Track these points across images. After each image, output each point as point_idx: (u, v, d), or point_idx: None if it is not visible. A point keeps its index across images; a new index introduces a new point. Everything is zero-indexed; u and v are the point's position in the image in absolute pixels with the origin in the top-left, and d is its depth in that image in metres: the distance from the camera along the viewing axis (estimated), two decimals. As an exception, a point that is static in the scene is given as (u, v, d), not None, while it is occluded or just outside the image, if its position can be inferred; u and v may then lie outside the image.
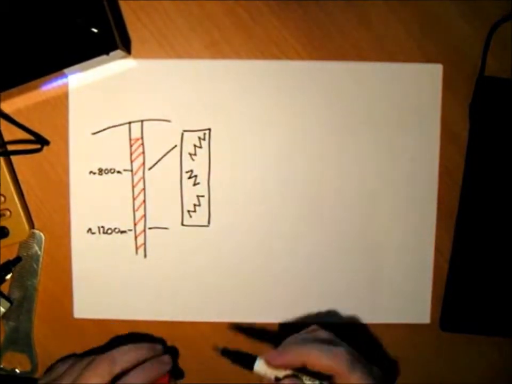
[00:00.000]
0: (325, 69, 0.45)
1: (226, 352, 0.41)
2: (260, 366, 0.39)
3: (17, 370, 0.47)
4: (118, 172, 0.45)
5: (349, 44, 0.45)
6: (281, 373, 0.39)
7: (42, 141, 0.45)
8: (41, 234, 0.46)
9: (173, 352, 0.46)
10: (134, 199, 0.46)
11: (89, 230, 0.46)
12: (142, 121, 0.45)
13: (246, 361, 0.40)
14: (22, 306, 0.46)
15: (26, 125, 0.44)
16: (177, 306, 0.46)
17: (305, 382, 0.38)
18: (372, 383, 0.38)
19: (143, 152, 0.45)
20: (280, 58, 0.45)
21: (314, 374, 0.38)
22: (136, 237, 0.46)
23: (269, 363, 0.39)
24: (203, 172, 0.46)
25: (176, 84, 0.45)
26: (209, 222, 0.46)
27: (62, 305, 0.46)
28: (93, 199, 0.45)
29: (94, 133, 0.45)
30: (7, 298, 0.46)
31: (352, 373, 0.38)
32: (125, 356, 0.41)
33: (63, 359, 0.45)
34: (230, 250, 0.45)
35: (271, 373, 0.39)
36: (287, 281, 0.46)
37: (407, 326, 0.47)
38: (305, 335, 0.41)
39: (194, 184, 0.46)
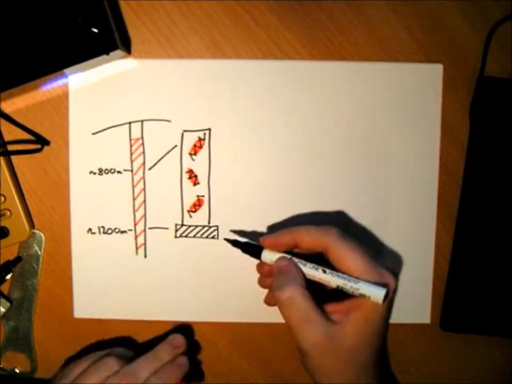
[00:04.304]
0: (325, 69, 0.45)
1: (236, 243, 0.43)
2: (265, 255, 0.41)
3: (17, 370, 0.47)
4: (118, 172, 0.45)
5: (349, 44, 0.45)
6: None
7: (42, 141, 0.45)
8: (41, 234, 0.46)
9: (194, 348, 0.46)
10: (134, 199, 0.46)
11: (89, 230, 0.46)
12: (142, 121, 0.45)
13: (255, 251, 0.42)
14: (22, 306, 0.46)
15: (26, 125, 0.44)
16: (177, 306, 0.46)
17: (297, 261, 0.40)
18: (363, 254, 0.38)
19: (143, 152, 0.45)
20: (281, 58, 0.45)
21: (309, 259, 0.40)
22: (136, 237, 0.46)
23: (266, 246, 0.41)
24: (203, 172, 0.46)
25: (176, 83, 0.45)
26: (209, 222, 0.46)
27: (62, 305, 0.46)
28: (93, 199, 0.45)
29: (94, 133, 0.45)
30: (7, 298, 0.46)
31: (343, 243, 0.38)
32: (147, 366, 0.41)
33: (72, 361, 0.43)
34: (231, 250, 0.45)
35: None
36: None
37: (407, 326, 0.47)
38: None
39: (195, 184, 0.46)
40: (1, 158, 0.44)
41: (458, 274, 0.46)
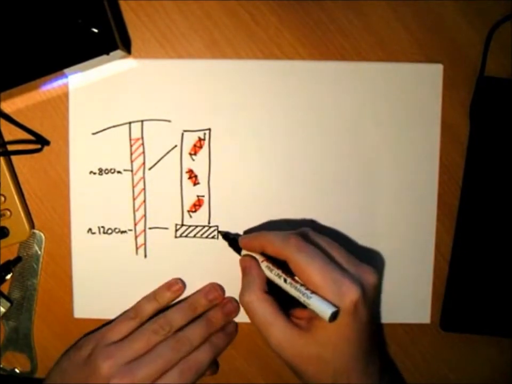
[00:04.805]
0: (325, 69, 0.45)
1: (225, 236, 0.45)
2: (243, 253, 0.43)
3: (17, 370, 0.47)
4: (118, 172, 0.45)
5: (349, 44, 0.45)
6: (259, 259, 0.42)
7: (42, 141, 0.45)
8: (41, 234, 0.46)
9: None
10: (134, 199, 0.46)
11: (89, 230, 0.46)
12: (142, 121, 0.45)
13: (238, 248, 0.43)
14: (22, 306, 0.46)
15: (27, 125, 0.44)
16: (177, 306, 0.46)
17: (262, 264, 0.41)
18: (321, 266, 0.37)
19: (143, 152, 0.45)
20: (281, 58, 0.45)
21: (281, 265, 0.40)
22: (136, 237, 0.46)
23: (241, 247, 0.43)
24: (203, 172, 0.46)
25: (176, 83, 0.45)
26: (209, 222, 0.46)
27: (62, 305, 0.46)
28: (93, 199, 0.45)
29: (94, 133, 0.45)
30: (7, 298, 0.46)
31: (300, 255, 0.37)
32: (200, 332, 0.43)
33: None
34: (231, 250, 0.45)
35: None
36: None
37: (407, 326, 0.47)
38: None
39: (195, 184, 0.46)
40: (1, 158, 0.44)
41: (458, 274, 0.46)
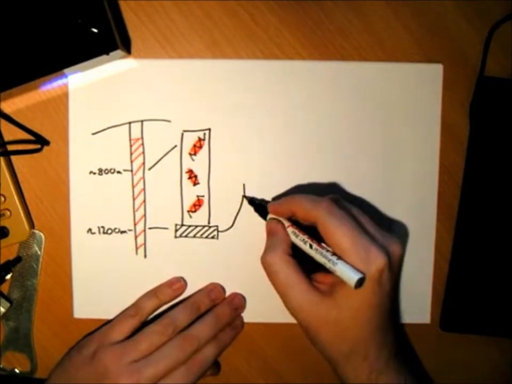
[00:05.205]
0: (325, 69, 0.45)
1: (251, 202, 0.45)
2: (269, 218, 0.43)
3: (16, 370, 0.47)
4: (118, 172, 0.45)
5: (349, 44, 0.45)
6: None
7: (42, 141, 0.45)
8: (41, 234, 0.46)
9: None
10: (134, 199, 0.46)
11: (89, 230, 0.46)
12: (142, 121, 0.45)
13: (264, 214, 0.43)
14: (21, 306, 0.46)
15: (26, 125, 0.44)
16: (177, 306, 0.46)
17: (289, 229, 0.41)
18: (350, 230, 0.37)
19: (143, 152, 0.45)
20: (281, 58, 0.45)
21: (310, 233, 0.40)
22: (136, 237, 0.46)
23: (270, 212, 0.42)
24: (203, 172, 0.46)
25: (176, 84, 0.45)
26: (209, 222, 0.46)
27: (61, 305, 0.46)
28: (93, 199, 0.45)
29: (94, 133, 0.45)
30: (7, 299, 0.46)
31: (331, 218, 0.37)
32: (207, 329, 0.43)
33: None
34: (230, 250, 0.45)
35: None
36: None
37: (407, 326, 0.47)
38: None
39: (194, 184, 0.46)
40: (1, 158, 0.44)
41: (458, 274, 0.46)
